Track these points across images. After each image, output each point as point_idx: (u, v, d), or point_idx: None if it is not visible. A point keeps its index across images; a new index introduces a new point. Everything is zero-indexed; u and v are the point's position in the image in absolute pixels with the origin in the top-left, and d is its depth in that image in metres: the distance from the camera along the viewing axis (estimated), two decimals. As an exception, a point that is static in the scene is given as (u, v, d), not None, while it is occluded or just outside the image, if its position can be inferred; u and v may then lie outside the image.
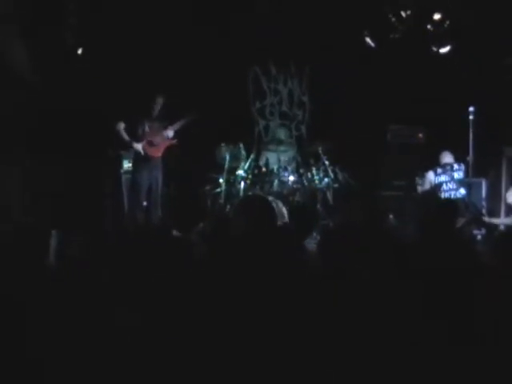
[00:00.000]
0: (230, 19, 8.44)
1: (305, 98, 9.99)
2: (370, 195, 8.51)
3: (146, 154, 7.55)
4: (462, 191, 7.79)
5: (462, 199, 7.69)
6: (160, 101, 7.63)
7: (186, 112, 7.76)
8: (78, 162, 7.76)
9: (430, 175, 7.95)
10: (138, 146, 7.52)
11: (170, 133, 7.73)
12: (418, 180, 8.13)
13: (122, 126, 7.51)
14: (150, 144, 7.60)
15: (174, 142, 7.79)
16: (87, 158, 7.89)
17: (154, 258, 3.05)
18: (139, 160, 7.59)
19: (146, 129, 7.60)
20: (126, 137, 7.53)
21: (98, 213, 7.74)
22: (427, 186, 7.99)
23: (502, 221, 7.65)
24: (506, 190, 7.87)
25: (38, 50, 7.26)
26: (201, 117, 7.72)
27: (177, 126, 7.74)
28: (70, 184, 7.62)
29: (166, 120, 7.74)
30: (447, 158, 7.99)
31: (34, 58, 7.11)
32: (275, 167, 8.79)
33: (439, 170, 7.93)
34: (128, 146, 7.68)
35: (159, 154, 7.71)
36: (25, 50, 7.01)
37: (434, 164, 8.05)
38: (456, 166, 7.90)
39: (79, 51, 7.77)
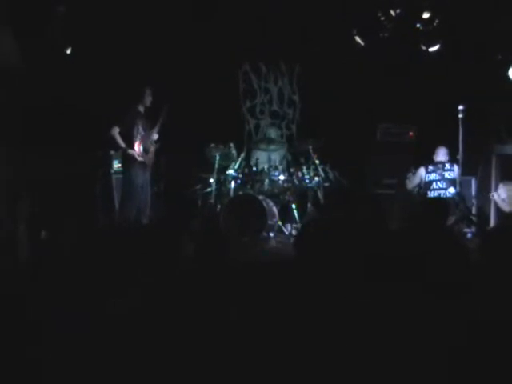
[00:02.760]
0: (221, 17, 8.42)
1: (295, 97, 10.00)
2: (364, 193, 8.53)
3: (141, 161, 7.51)
4: (452, 190, 7.83)
5: (452, 198, 7.74)
6: (149, 92, 7.58)
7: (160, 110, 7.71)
8: (67, 161, 7.72)
9: (421, 171, 8.03)
10: (134, 153, 7.47)
11: (155, 136, 7.69)
12: (409, 174, 8.16)
13: (116, 130, 7.43)
14: (146, 151, 7.56)
15: (157, 145, 7.78)
16: (76, 157, 7.85)
17: (143, 256, 3.04)
18: (132, 160, 7.54)
19: (141, 130, 7.55)
20: (121, 143, 7.44)
21: (87, 212, 7.70)
22: (416, 181, 8.05)
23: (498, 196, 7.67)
24: (496, 188, 7.92)
25: (27, 49, 7.21)
26: (170, 109, 7.65)
27: (158, 127, 7.69)
28: (59, 183, 7.59)
29: (150, 120, 7.70)
30: (441, 155, 8.03)
31: (23, 57, 7.06)
32: (266, 166, 8.78)
33: (430, 168, 7.99)
34: (123, 151, 7.58)
35: (152, 162, 7.71)
36: (13, 38, 6.93)
37: (424, 162, 8.09)
38: (448, 166, 7.94)
39: (68, 51, 7.72)
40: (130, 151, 7.44)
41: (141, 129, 7.56)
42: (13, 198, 6.69)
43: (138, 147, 7.48)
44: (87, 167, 8.12)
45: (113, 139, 7.45)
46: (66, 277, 2.80)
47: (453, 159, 8.01)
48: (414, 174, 8.11)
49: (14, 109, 7.06)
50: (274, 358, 2.34)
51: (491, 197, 7.80)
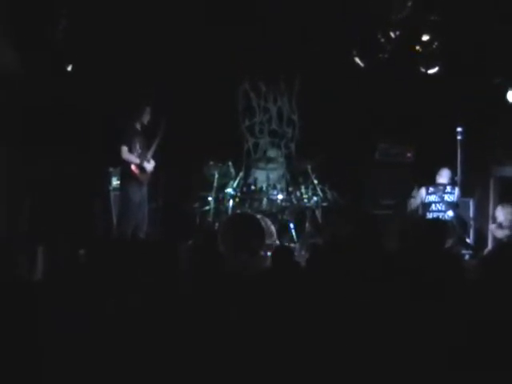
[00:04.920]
0: (221, 35, 8.46)
1: (294, 116, 10.00)
2: (360, 213, 8.51)
3: (137, 178, 7.49)
4: (450, 213, 7.81)
5: (450, 221, 7.72)
6: (148, 110, 7.58)
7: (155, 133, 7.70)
8: (67, 162, 7.69)
9: (422, 192, 7.99)
10: (148, 166, 7.50)
11: (151, 165, 7.66)
12: (414, 193, 8.11)
13: (125, 149, 7.43)
14: (142, 170, 7.54)
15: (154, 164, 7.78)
16: (76, 173, 7.84)
17: (142, 272, 3.03)
18: (129, 177, 7.53)
19: (138, 148, 7.55)
20: (135, 159, 7.47)
21: (86, 227, 7.69)
22: (418, 202, 8.01)
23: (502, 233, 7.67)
24: (494, 210, 7.91)
25: (28, 54, 7.22)
26: (167, 127, 7.65)
27: (155, 145, 7.67)
28: (59, 198, 7.57)
29: (147, 137, 7.68)
30: (443, 177, 8.00)
31: (23, 63, 7.07)
32: (264, 185, 8.79)
33: (431, 189, 7.95)
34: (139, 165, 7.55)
35: (148, 179, 7.70)
36: (12, 47, 6.95)
37: (422, 183, 8.08)
38: (449, 189, 7.91)
39: (69, 68, 7.73)
40: (145, 164, 7.43)
41: (138, 147, 7.55)
42: (13, 198, 6.67)
43: (135, 165, 7.49)
44: (86, 182, 8.10)
45: (127, 159, 7.44)
46: (66, 277, 2.79)
47: (454, 181, 7.99)
48: (416, 194, 8.05)
49: (14, 109, 7.05)
50: (268, 364, 2.33)
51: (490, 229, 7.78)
